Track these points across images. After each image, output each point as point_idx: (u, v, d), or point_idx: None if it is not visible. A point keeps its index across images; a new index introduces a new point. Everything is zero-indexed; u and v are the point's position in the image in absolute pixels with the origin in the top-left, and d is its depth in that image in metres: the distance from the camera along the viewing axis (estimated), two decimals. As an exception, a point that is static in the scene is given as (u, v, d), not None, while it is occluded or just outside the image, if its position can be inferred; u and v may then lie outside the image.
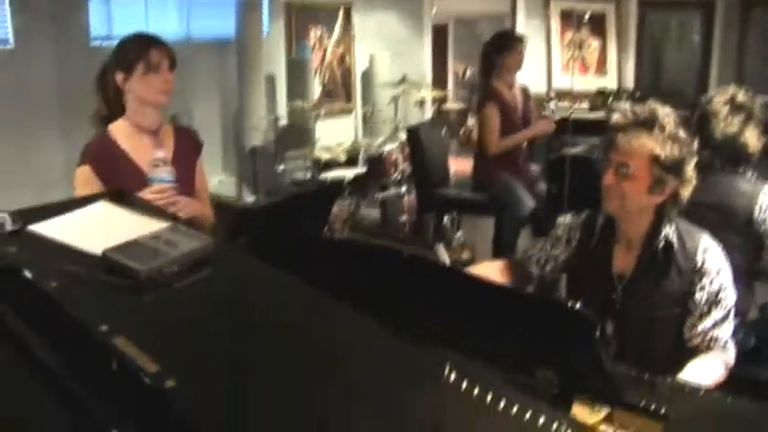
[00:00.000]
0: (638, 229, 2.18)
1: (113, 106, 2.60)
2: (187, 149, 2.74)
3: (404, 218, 5.49)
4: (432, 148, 4.68)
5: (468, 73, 10.85)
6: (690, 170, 2.10)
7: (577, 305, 1.28)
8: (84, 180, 2.50)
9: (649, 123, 2.06)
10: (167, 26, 6.04)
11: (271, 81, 6.77)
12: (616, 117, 2.12)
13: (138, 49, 2.54)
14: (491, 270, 2.35)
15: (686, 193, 2.13)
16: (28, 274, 1.39)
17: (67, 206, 1.82)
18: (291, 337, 1.35)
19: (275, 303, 1.51)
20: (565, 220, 2.67)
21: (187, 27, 6.19)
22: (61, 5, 5.17)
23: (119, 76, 2.56)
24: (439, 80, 9.95)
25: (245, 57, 6.35)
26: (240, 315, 1.42)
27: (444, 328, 1.52)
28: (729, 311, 2.13)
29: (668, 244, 2.14)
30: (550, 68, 7.99)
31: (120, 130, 2.59)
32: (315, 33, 7.27)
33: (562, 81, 7.84)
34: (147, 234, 1.57)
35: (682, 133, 2.08)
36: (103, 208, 1.85)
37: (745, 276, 2.72)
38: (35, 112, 5.09)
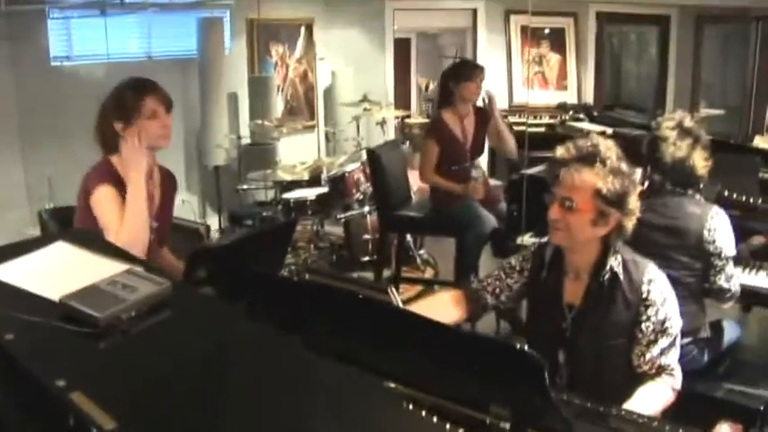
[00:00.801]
0: (586, 261, 2.24)
1: (111, 148, 2.65)
2: (170, 189, 2.84)
3: (366, 236, 5.52)
4: (392, 169, 4.72)
5: (431, 86, 10.94)
6: (632, 202, 2.17)
7: (525, 348, 1.32)
8: (113, 197, 2.56)
9: (591, 158, 2.13)
10: (127, 45, 6.03)
11: (233, 99, 6.78)
12: (560, 152, 2.18)
13: (134, 99, 2.61)
14: (446, 302, 2.39)
15: (630, 223, 2.19)
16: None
17: (24, 247, 1.83)
18: (253, 379, 1.38)
19: (234, 345, 1.54)
20: (522, 240, 2.72)
21: (148, 46, 6.18)
22: (19, 26, 5.13)
23: (118, 125, 2.62)
24: (402, 94, 10.01)
25: (208, 75, 6.34)
26: (199, 360, 1.44)
27: (401, 366, 1.56)
28: (675, 338, 2.20)
29: (614, 275, 2.20)
30: (511, 83, 8.09)
31: (120, 165, 2.64)
32: (277, 50, 7.28)
33: (522, 96, 7.96)
34: (105, 278, 1.59)
35: (624, 166, 2.15)
36: (61, 249, 1.85)
37: (696, 295, 2.80)
38: (-6, 132, 5.05)
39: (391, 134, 7.91)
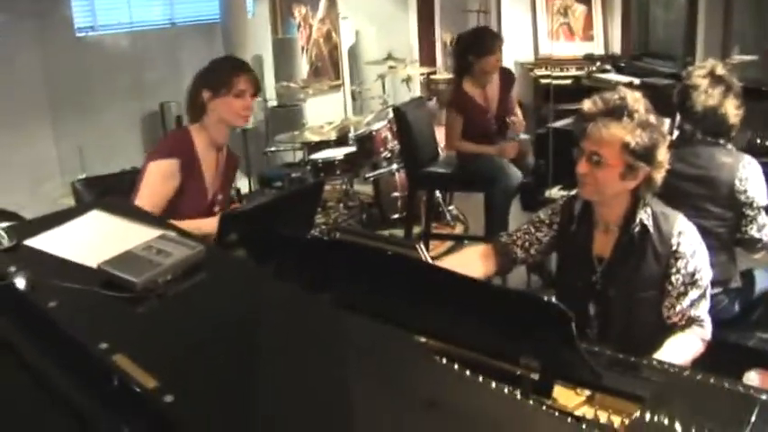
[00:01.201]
0: (615, 214, 2.24)
1: (195, 116, 2.85)
2: (233, 167, 3.08)
3: (396, 194, 5.53)
4: (419, 126, 4.71)
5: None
6: (661, 154, 2.15)
7: (552, 300, 1.34)
8: (170, 174, 2.73)
9: (618, 112, 2.11)
10: (151, 13, 6.05)
11: (258, 62, 6.76)
12: (587, 106, 2.17)
13: (228, 74, 2.78)
14: (475, 257, 2.41)
15: (659, 176, 2.18)
16: (28, 295, 1.44)
17: (61, 217, 1.88)
18: (285, 339, 1.41)
19: (266, 306, 1.57)
20: (551, 194, 2.71)
21: (171, 12, 6.19)
22: (43, 1, 5.17)
23: (205, 94, 2.79)
24: (427, 50, 9.91)
25: (232, 39, 6.30)
26: (233, 321, 1.48)
27: (431, 321, 1.59)
28: (705, 290, 2.21)
29: (644, 228, 2.20)
30: (536, 36, 7.97)
31: (197, 136, 2.84)
32: (300, 12, 7.24)
33: (548, 48, 7.85)
34: (140, 244, 1.63)
35: (652, 119, 2.13)
36: (96, 217, 1.90)
37: (727, 246, 2.79)
38: (25, 107, 5.12)
39: (417, 91, 7.88)
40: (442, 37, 11.49)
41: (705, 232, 2.32)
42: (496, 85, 4.60)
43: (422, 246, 1.69)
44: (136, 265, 1.56)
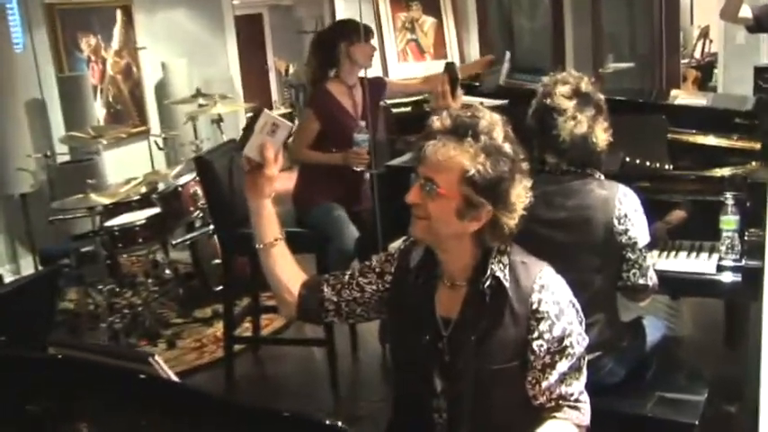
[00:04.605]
0: (461, 263, 2.08)
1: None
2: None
3: (218, 261, 5.28)
4: (231, 177, 4.43)
5: (292, 69, 10.71)
6: (513, 195, 1.99)
7: (327, 420, 1.10)
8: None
9: (462, 130, 1.95)
10: None
11: (37, 107, 6.44)
12: (435, 123, 2.00)
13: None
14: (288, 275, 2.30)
15: (510, 222, 2.01)
16: None
17: None
18: None
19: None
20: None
21: None
22: None
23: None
24: (258, 82, 9.78)
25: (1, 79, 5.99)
26: None
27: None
28: (580, 360, 2.06)
29: (497, 282, 2.03)
30: (385, 58, 7.94)
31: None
32: (89, 42, 6.99)
33: (400, 71, 7.81)
34: None
35: (507, 148, 1.96)
36: None
37: (606, 300, 2.68)
38: None
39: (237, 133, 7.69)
40: (276, 65, 11.41)
41: (578, 287, 2.16)
42: (360, 92, 4.51)
43: (158, 359, 1.43)
44: None
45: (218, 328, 4.96)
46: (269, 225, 2.31)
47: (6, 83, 5.98)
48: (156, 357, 1.41)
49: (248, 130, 2.15)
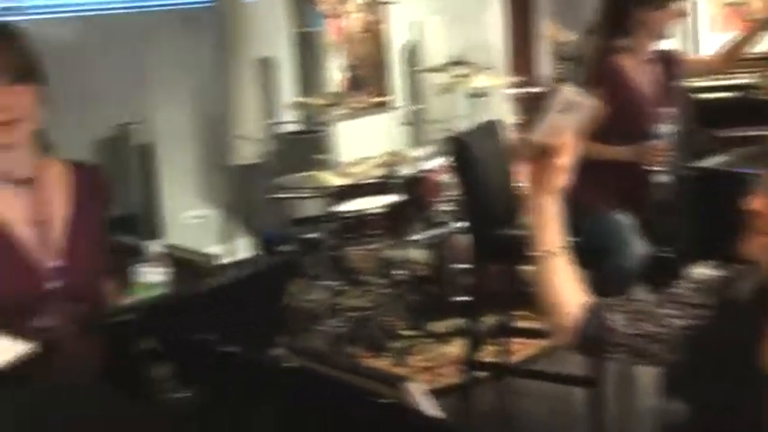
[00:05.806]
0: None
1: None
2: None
3: (461, 265, 5.34)
4: (489, 166, 4.39)
5: (570, 38, 10.57)
6: None
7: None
8: None
9: None
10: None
11: (267, 67, 6.71)
12: None
13: None
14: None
15: None
16: None
17: None
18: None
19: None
20: (695, 274, 2.43)
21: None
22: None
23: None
24: (521, 52, 9.71)
25: (227, 34, 6.30)
26: None
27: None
28: None
29: None
30: (696, 25, 7.79)
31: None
32: (329, -7, 7.22)
33: (714, 44, 7.54)
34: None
35: None
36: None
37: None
38: None
39: (503, 111, 7.66)
40: (550, 32, 11.22)
41: None
42: (659, 68, 4.42)
43: (412, 385, 1.49)
44: None
45: (456, 347, 4.98)
46: (553, 228, 2.25)
47: (240, 37, 6.28)
48: (410, 384, 1.47)
49: (539, 111, 2.11)
